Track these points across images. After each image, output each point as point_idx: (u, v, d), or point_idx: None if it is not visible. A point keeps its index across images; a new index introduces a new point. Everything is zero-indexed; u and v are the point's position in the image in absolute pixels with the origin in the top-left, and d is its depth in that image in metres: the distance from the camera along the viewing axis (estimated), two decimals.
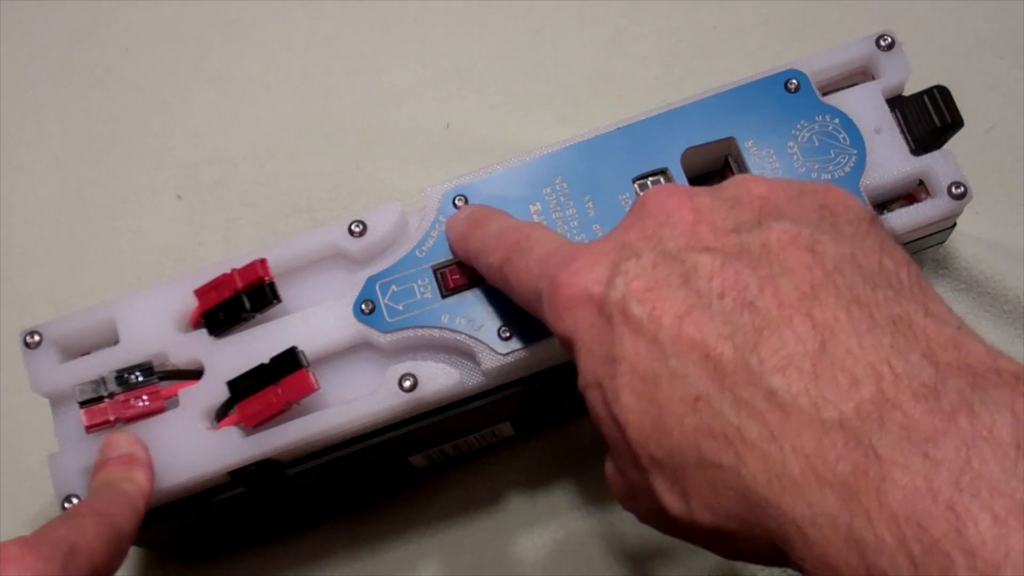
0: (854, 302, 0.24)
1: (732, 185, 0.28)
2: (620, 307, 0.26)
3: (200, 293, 0.37)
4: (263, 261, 0.37)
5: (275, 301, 0.37)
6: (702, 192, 0.28)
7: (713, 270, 0.25)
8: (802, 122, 0.38)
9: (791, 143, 0.37)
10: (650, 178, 0.38)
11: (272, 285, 0.37)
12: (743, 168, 0.38)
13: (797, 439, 0.23)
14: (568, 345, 0.28)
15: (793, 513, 0.22)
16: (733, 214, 0.27)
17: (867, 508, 0.21)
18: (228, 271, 0.37)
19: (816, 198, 0.27)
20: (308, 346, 0.36)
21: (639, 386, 0.25)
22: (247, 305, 0.37)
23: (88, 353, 0.38)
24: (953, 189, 0.37)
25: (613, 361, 0.26)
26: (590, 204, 0.37)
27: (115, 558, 0.31)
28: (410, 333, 0.36)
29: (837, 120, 0.38)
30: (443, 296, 0.37)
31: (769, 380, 0.23)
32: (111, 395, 0.36)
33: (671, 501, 0.25)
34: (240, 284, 0.37)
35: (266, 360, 0.36)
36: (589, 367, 0.27)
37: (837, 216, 0.27)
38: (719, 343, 0.24)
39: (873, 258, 0.25)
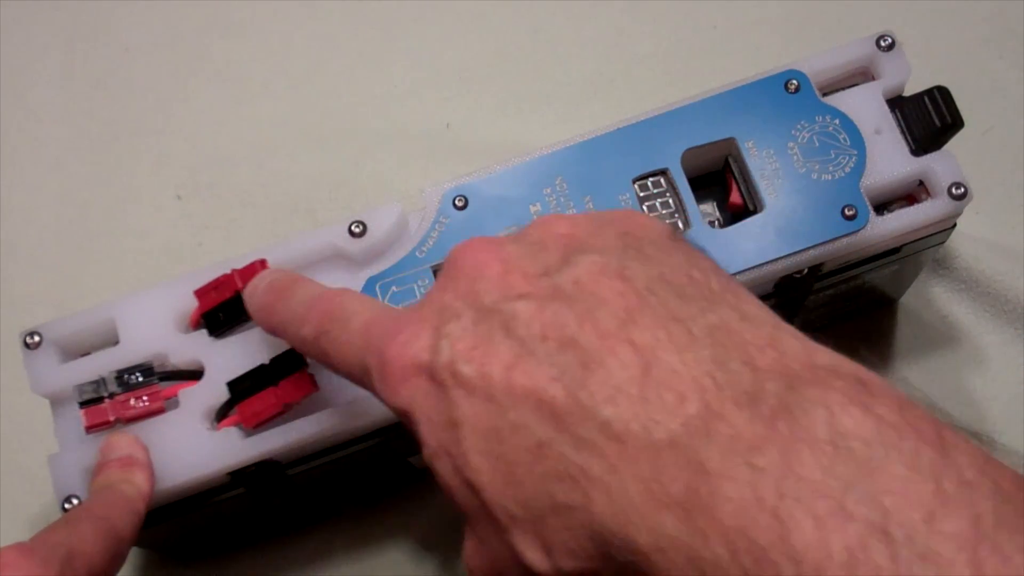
0: (671, 319, 0.24)
1: (534, 228, 0.28)
2: (450, 370, 0.25)
3: (200, 294, 0.37)
4: (263, 261, 0.37)
5: None
6: (507, 241, 0.28)
7: (531, 315, 0.25)
8: (802, 122, 0.38)
9: (791, 143, 0.37)
10: (650, 178, 0.38)
11: None
12: (743, 168, 0.38)
13: (635, 466, 0.22)
14: (407, 419, 0.27)
15: (638, 542, 0.22)
16: (541, 257, 0.27)
17: (702, 527, 0.21)
18: (228, 271, 0.37)
19: (617, 226, 0.27)
20: None
21: (484, 445, 0.25)
22: None
23: (88, 353, 0.38)
24: (953, 190, 0.37)
25: (455, 426, 0.25)
26: (590, 204, 0.37)
27: (114, 562, 0.31)
28: None
29: (837, 120, 0.38)
30: None
31: (601, 412, 0.23)
32: (111, 395, 0.36)
33: (535, 558, 0.24)
34: (240, 284, 0.37)
35: (266, 361, 0.36)
36: (432, 436, 0.26)
37: (640, 240, 0.27)
38: (549, 386, 0.24)
39: (681, 273, 0.25)
